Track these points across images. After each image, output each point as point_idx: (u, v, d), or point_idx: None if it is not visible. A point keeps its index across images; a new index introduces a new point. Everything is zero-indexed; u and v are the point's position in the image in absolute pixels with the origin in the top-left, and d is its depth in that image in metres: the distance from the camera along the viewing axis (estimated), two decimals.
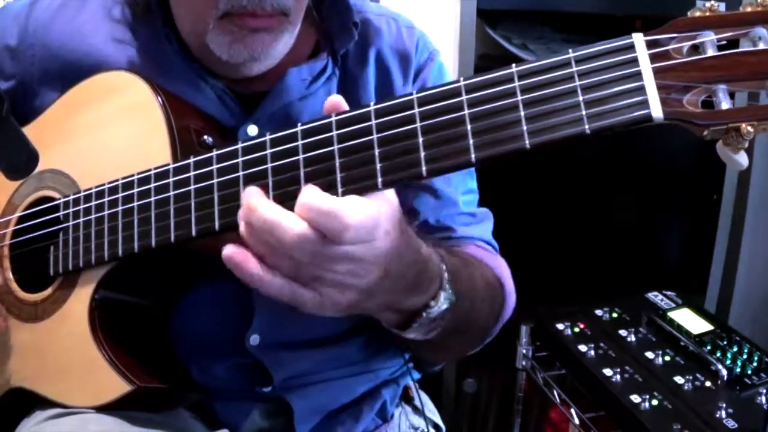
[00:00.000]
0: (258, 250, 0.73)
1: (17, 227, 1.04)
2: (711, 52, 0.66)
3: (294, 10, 0.96)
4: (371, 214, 0.72)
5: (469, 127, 0.71)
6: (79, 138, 1.00)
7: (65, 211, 0.97)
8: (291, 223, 0.70)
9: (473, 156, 0.71)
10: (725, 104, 0.66)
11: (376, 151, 0.74)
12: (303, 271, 0.74)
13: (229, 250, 0.73)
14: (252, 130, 1.02)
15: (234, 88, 1.04)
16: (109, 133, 0.97)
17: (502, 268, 1.11)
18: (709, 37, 0.67)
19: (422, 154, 0.72)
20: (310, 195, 0.71)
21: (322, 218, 0.70)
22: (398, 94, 1.06)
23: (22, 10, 1.09)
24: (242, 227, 0.74)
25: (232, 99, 1.03)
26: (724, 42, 0.67)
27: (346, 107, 0.78)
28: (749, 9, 0.66)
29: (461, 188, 1.14)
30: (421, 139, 0.73)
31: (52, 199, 1.00)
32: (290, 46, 1.02)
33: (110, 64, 1.03)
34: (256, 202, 0.72)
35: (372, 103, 0.76)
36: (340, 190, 0.75)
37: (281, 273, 0.74)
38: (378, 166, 0.74)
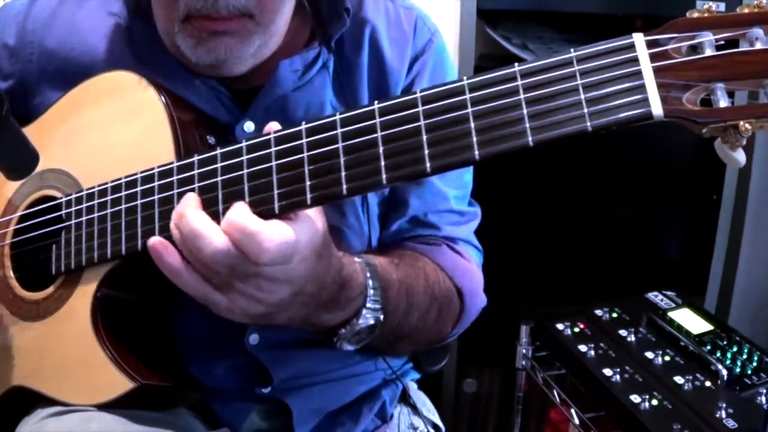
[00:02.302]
0: (182, 251, 0.79)
1: (18, 226, 1.04)
2: (709, 51, 0.68)
3: (260, 12, 0.94)
4: (289, 240, 0.76)
5: (472, 125, 0.72)
6: (81, 138, 1.00)
7: (67, 210, 0.97)
8: (213, 236, 0.76)
9: (476, 153, 0.72)
10: (723, 102, 0.67)
11: (381, 149, 0.75)
12: (215, 278, 0.79)
13: (152, 240, 0.80)
14: (248, 126, 1.02)
15: (227, 83, 1.03)
16: (112, 133, 0.97)
17: (465, 275, 1.12)
18: (707, 38, 0.68)
19: (426, 151, 0.73)
20: (238, 213, 0.77)
21: (243, 238, 0.75)
22: (392, 78, 1.08)
23: (21, 9, 1.10)
24: (171, 228, 0.79)
25: (226, 95, 1.03)
26: (722, 42, 0.68)
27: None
28: (746, 10, 0.68)
29: (456, 182, 1.15)
30: (425, 137, 0.73)
31: (53, 198, 1.00)
32: (272, 47, 1.00)
33: (106, 61, 1.04)
34: (185, 209, 0.79)
35: (376, 102, 0.76)
36: (344, 187, 0.76)
37: (198, 273, 0.79)
38: (382, 163, 0.75)
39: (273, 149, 0.80)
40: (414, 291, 1.01)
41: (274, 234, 0.75)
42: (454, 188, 1.14)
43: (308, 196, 0.77)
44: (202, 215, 0.78)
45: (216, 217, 0.82)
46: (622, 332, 1.77)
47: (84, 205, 0.95)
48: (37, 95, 1.08)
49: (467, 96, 0.73)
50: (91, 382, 0.95)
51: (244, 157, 0.81)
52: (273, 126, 0.82)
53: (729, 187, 2.26)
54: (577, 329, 1.80)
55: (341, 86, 1.07)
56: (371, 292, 0.93)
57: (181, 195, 0.85)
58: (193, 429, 1.05)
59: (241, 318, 0.83)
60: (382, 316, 0.94)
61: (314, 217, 0.81)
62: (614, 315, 1.86)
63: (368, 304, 0.93)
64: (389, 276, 0.97)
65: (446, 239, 1.13)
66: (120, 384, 0.92)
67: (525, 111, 0.70)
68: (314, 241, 0.80)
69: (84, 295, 0.95)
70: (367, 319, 0.93)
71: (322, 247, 0.82)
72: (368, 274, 0.93)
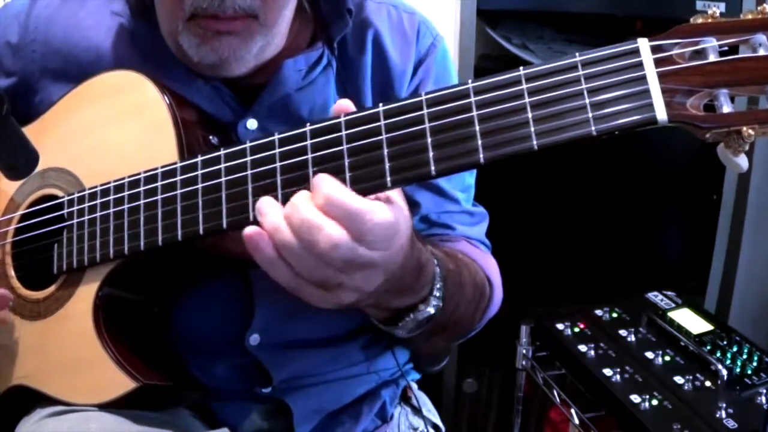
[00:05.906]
0: (283, 245, 0.73)
1: (20, 225, 1.04)
2: (713, 57, 0.68)
3: (264, 13, 0.94)
4: (391, 221, 0.73)
5: (477, 128, 0.72)
6: (84, 137, 1.00)
7: (70, 209, 0.97)
8: (331, 229, 0.71)
9: (481, 156, 0.72)
10: (727, 108, 0.68)
11: (385, 151, 0.75)
12: (323, 274, 0.74)
13: (249, 230, 0.74)
14: (251, 123, 1.02)
15: (229, 82, 1.03)
16: (114, 133, 0.97)
17: (491, 266, 1.12)
18: (711, 43, 0.68)
19: (431, 154, 0.73)
20: (335, 190, 0.72)
21: (348, 217, 0.71)
22: (397, 79, 1.09)
23: (23, 7, 1.10)
24: (273, 221, 0.74)
25: (228, 94, 1.03)
26: (726, 48, 0.68)
27: (353, 108, 0.79)
28: (750, 16, 0.68)
29: (461, 185, 1.16)
30: (430, 140, 0.73)
31: (55, 197, 1.00)
32: (274, 48, 1.01)
33: (109, 59, 1.04)
34: (299, 202, 0.73)
35: (381, 104, 0.76)
36: (348, 189, 0.75)
37: (296, 270, 0.74)
38: (387, 165, 0.75)
39: (277, 150, 0.80)
40: (463, 281, 1.00)
41: (379, 213, 0.72)
42: (459, 191, 1.15)
43: None
44: (315, 208, 0.73)
45: (219, 217, 0.82)
46: (622, 332, 1.78)
47: (86, 205, 0.95)
48: (40, 93, 1.08)
49: (472, 99, 0.73)
50: (93, 382, 0.95)
51: (248, 158, 0.81)
52: (346, 105, 0.79)
53: (729, 188, 2.26)
54: (577, 329, 1.81)
55: (345, 87, 1.07)
56: (438, 281, 0.91)
57: (184, 195, 0.85)
58: (192, 429, 1.05)
59: (329, 307, 0.78)
60: (442, 304, 0.92)
61: (401, 203, 0.78)
62: (614, 315, 1.86)
63: (435, 293, 0.91)
64: (447, 265, 0.96)
65: (462, 237, 1.14)
66: (122, 383, 0.92)
67: (530, 115, 0.70)
68: (408, 226, 0.78)
69: (86, 294, 0.95)
70: (430, 307, 0.90)
71: (413, 232, 0.80)
72: (435, 262, 0.91)
